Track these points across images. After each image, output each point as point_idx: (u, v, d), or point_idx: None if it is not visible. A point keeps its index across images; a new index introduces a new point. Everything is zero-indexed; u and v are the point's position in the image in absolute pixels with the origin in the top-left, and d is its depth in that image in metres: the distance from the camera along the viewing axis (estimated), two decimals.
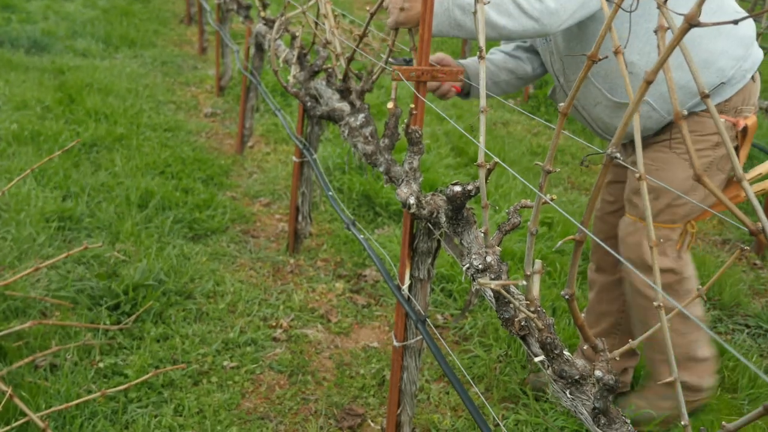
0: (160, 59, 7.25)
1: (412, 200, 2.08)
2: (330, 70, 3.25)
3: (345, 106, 2.95)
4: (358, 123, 2.56)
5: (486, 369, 3.03)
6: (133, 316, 3.01)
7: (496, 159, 1.63)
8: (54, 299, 3.05)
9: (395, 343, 2.39)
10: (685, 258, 2.52)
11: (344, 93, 3.12)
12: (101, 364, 2.78)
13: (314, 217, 4.19)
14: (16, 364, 2.56)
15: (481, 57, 1.51)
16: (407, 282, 2.33)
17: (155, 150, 4.80)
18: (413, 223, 2.29)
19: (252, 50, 4.81)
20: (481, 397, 2.13)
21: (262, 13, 4.49)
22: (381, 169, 2.41)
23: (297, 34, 3.57)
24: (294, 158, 3.74)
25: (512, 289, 1.70)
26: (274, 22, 4.39)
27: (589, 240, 3.02)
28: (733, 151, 0.92)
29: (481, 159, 1.57)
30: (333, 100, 3.10)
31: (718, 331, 3.51)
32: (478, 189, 1.87)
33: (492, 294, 1.67)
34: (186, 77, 6.90)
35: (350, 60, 2.57)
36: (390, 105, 2.36)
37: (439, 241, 2.26)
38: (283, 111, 5.61)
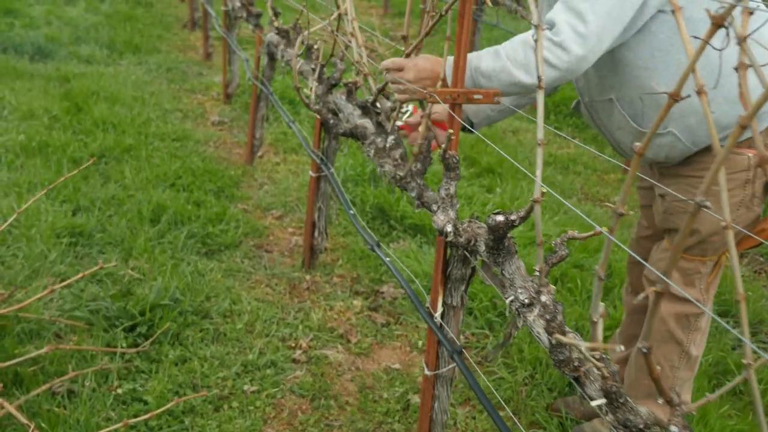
0: (165, 65, 7.18)
1: (449, 228, 2.02)
2: (350, 85, 3.19)
3: (367, 123, 2.89)
4: (387, 144, 2.49)
5: (512, 392, 2.96)
6: (151, 339, 2.94)
7: (547, 189, 1.56)
8: (69, 320, 2.98)
9: (427, 372, 2.33)
10: (711, 293, 2.46)
11: (366, 109, 3.05)
12: (120, 390, 2.71)
13: (329, 231, 4.12)
14: (33, 391, 2.49)
15: (539, 87, 1.44)
16: (440, 309, 2.27)
17: (165, 161, 4.73)
18: (446, 249, 2.23)
19: (263, 60, 4.74)
20: (515, 419, 2.07)
21: (276, 23, 4.42)
22: (413, 194, 2.35)
23: (316, 46, 3.50)
24: (311, 173, 3.67)
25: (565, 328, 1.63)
26: (287, 32, 4.32)
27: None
28: None
29: (537, 194, 1.50)
30: (354, 116, 3.03)
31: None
32: (522, 219, 1.81)
33: (545, 334, 1.60)
34: (191, 84, 6.83)
35: (381, 90, 2.50)
36: (422, 128, 2.29)
37: (473, 268, 2.19)
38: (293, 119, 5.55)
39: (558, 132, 2.03)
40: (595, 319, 1.31)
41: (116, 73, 6.63)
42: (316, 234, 3.74)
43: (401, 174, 2.43)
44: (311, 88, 3.62)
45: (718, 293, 3.61)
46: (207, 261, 3.72)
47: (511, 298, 1.83)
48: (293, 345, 3.17)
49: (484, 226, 1.99)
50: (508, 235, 1.88)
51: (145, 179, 4.43)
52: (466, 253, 2.09)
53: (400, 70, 2.28)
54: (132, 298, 3.19)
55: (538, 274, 1.65)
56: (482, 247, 1.97)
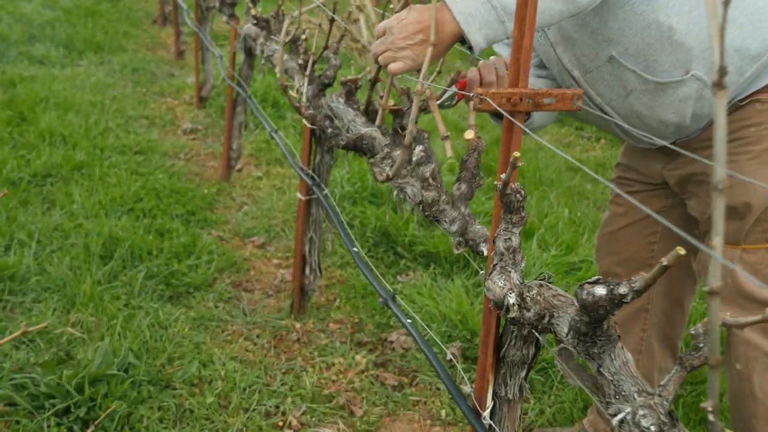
0: (131, 66, 6.52)
1: (512, 300, 1.38)
2: (350, 84, 2.56)
3: (375, 133, 2.27)
4: (414, 158, 1.85)
5: None
6: (91, 427, 2.28)
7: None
8: None
9: None
10: None
11: (371, 115, 2.43)
12: None
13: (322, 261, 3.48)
14: None
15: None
16: (489, 404, 1.63)
17: (123, 180, 4.07)
18: (499, 318, 1.59)
19: (239, 56, 4.09)
20: None
21: (253, 11, 3.78)
22: (452, 228, 1.72)
23: (302, 37, 2.86)
24: (299, 195, 3.03)
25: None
26: (267, 21, 3.68)
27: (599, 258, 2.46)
28: None
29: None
30: (357, 124, 2.40)
31: None
32: (636, 292, 1.17)
33: None
34: (161, 86, 6.17)
35: (374, 83, 1.85)
36: (470, 135, 1.66)
37: (538, 346, 1.56)
38: (276, 126, 4.92)
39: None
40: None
41: (73, 75, 5.96)
42: (307, 271, 3.10)
43: (432, 196, 1.79)
44: (297, 90, 2.98)
45: None
46: (171, 308, 3.07)
47: (621, 416, 1.20)
48: (281, 423, 2.53)
49: (568, 297, 1.35)
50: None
51: (97, 204, 3.77)
52: (535, 332, 1.46)
53: (382, 35, 1.70)
54: (70, 366, 2.54)
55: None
56: (563, 329, 1.34)
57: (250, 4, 3.86)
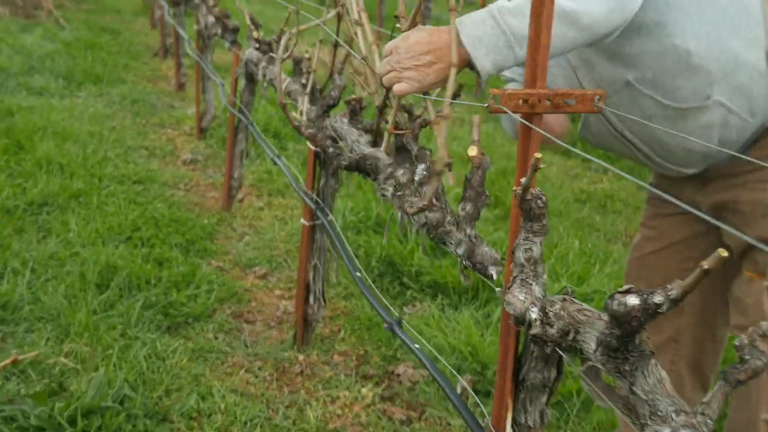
0: (131, 97, 6.48)
1: (534, 315, 1.30)
2: (354, 103, 2.49)
3: (380, 153, 2.20)
4: (416, 178, 1.78)
5: None
6: None
7: None
8: None
9: None
10: None
11: (377, 134, 2.37)
12: None
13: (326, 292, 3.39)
14: None
15: None
16: None
17: (121, 209, 4.00)
18: (518, 337, 1.51)
19: (241, 82, 4.04)
20: None
21: (255, 34, 3.74)
22: (459, 251, 1.63)
23: (305, 56, 2.81)
24: (303, 221, 2.95)
25: None
26: (269, 45, 3.63)
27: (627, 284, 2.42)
28: None
29: None
30: (361, 144, 2.33)
31: None
32: (672, 301, 1.09)
33: None
34: (161, 117, 6.12)
35: (381, 109, 1.79)
36: (473, 151, 1.59)
37: (559, 368, 1.47)
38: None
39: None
40: None
41: (71, 106, 5.91)
42: (311, 300, 3.01)
43: (437, 217, 1.71)
44: (301, 111, 2.92)
45: None
46: (169, 339, 2.98)
47: None
48: None
49: (594, 312, 1.27)
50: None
51: (94, 232, 3.69)
52: (558, 350, 1.37)
53: (389, 56, 1.65)
54: (62, 398, 2.44)
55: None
56: (591, 346, 1.25)
57: (252, 27, 3.82)
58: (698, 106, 1.80)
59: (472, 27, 1.55)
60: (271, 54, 3.60)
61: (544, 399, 1.51)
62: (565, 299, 1.33)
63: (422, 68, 1.60)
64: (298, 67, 3.14)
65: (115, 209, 4.00)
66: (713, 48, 1.77)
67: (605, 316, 1.23)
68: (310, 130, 2.44)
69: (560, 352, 1.35)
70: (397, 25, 1.83)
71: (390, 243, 3.75)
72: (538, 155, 1.22)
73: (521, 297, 1.31)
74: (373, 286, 2.30)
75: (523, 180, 1.28)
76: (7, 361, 1.82)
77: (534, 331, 1.30)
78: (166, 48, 8.10)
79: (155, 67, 7.84)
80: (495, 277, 1.58)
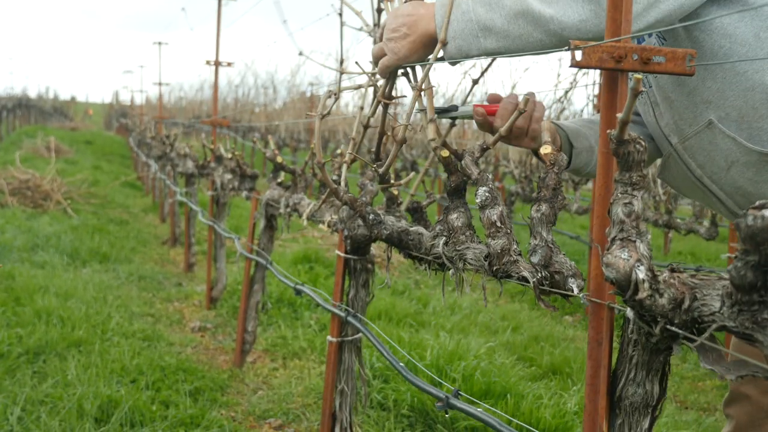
0: (138, 274, 6.39)
1: (641, 274, 1.13)
2: (390, 192, 2.43)
3: (422, 229, 2.11)
4: (479, 200, 1.64)
5: None
6: None
7: None
8: None
9: None
10: None
11: (417, 213, 2.29)
12: None
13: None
14: None
15: None
16: None
17: (124, 355, 3.80)
18: (612, 329, 1.33)
19: (261, 223, 3.98)
20: None
21: (278, 180, 3.74)
22: (533, 259, 1.47)
23: (338, 151, 2.76)
24: (329, 338, 2.76)
25: None
26: (294, 179, 3.59)
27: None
28: None
29: None
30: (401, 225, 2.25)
31: None
32: None
33: None
34: (168, 293, 6.00)
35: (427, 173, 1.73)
36: (547, 149, 1.47)
37: (663, 381, 1.28)
38: (293, 327, 4.73)
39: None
40: None
41: (74, 276, 5.83)
42: (337, 430, 2.76)
43: (501, 244, 1.56)
44: (328, 223, 2.84)
45: None
46: None
47: None
48: None
49: (712, 276, 1.11)
50: None
51: (94, 375, 3.48)
52: (669, 327, 1.18)
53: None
54: None
55: None
56: (714, 306, 1.08)
57: (272, 175, 3.82)
58: None
59: (447, 8, 1.60)
60: (294, 191, 3.58)
61: (646, 424, 1.30)
62: (673, 269, 1.17)
63: (398, 40, 1.66)
64: (323, 189, 3.09)
65: (118, 355, 3.79)
66: None
67: (726, 276, 1.07)
68: (349, 195, 2.32)
69: (673, 330, 1.16)
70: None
71: (419, 393, 3.52)
72: (638, 75, 1.10)
73: (624, 255, 1.14)
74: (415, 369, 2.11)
75: (612, 131, 1.16)
76: None
77: (641, 294, 1.11)
78: (175, 237, 8.12)
79: (163, 253, 7.83)
80: (575, 291, 1.42)
